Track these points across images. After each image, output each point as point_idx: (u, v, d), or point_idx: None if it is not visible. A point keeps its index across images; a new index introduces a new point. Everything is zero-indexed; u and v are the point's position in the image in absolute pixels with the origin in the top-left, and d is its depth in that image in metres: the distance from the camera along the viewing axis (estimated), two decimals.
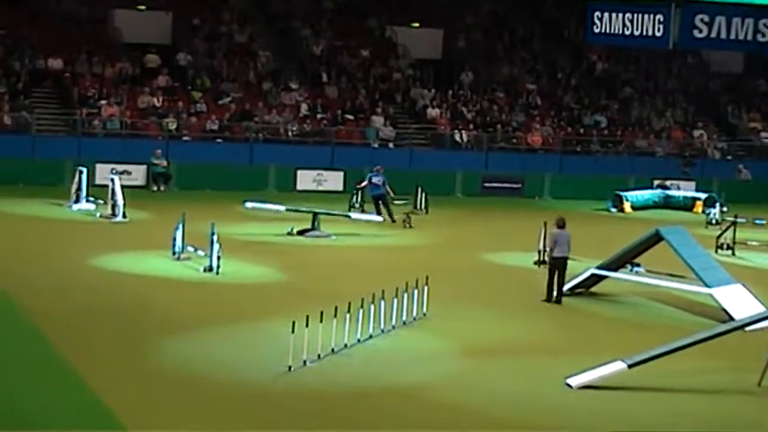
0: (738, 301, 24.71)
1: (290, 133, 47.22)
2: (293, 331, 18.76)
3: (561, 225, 25.47)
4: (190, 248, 28.04)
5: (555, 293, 25.30)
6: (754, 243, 35.60)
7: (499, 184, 46.79)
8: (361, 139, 48.34)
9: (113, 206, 34.12)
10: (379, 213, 35.82)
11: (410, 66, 53.12)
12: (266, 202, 34.26)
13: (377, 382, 18.92)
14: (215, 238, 26.69)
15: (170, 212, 31.67)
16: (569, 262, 25.41)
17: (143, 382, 18.24)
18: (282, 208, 33.64)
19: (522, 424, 17.33)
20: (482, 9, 57.99)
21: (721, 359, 21.06)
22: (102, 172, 39.52)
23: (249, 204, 33.54)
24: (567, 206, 41.86)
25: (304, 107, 48.50)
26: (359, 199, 38.66)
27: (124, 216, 33.95)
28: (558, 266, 25.29)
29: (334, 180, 44.32)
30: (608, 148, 52.28)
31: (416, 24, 54.93)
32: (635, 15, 23.88)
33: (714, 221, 40.20)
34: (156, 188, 41.60)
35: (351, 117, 48.86)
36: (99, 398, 17.12)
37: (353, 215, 35.38)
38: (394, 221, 30.71)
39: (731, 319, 23.43)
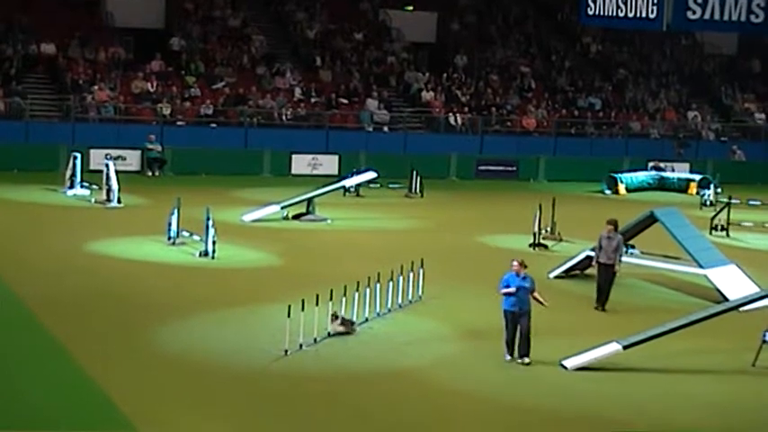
0: (733, 282, 24.80)
1: (284, 117, 47.18)
2: (289, 315, 18.79)
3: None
4: (185, 233, 28.06)
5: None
6: (749, 224, 35.68)
7: (494, 167, 46.77)
8: (356, 122, 48.29)
9: (108, 191, 34.10)
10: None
11: (404, 49, 53.03)
12: (260, 206, 33.23)
13: (372, 365, 18.97)
14: (210, 222, 26.71)
15: (165, 197, 31.63)
16: (564, 244, 25.13)
17: (139, 366, 18.28)
18: (277, 207, 33.12)
19: (518, 406, 17.38)
20: None
21: (716, 340, 21.14)
22: (97, 157, 39.41)
23: (247, 218, 32.53)
24: (562, 188, 41.88)
25: (298, 91, 48.43)
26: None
27: (119, 201, 33.94)
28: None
29: (329, 164, 44.26)
30: (602, 130, 52.28)
31: (410, 7, 54.86)
32: None
33: (708, 203, 40.26)
34: (150, 173, 41.55)
35: (345, 101, 48.79)
36: (95, 382, 17.16)
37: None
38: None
39: (725, 299, 23.50)
